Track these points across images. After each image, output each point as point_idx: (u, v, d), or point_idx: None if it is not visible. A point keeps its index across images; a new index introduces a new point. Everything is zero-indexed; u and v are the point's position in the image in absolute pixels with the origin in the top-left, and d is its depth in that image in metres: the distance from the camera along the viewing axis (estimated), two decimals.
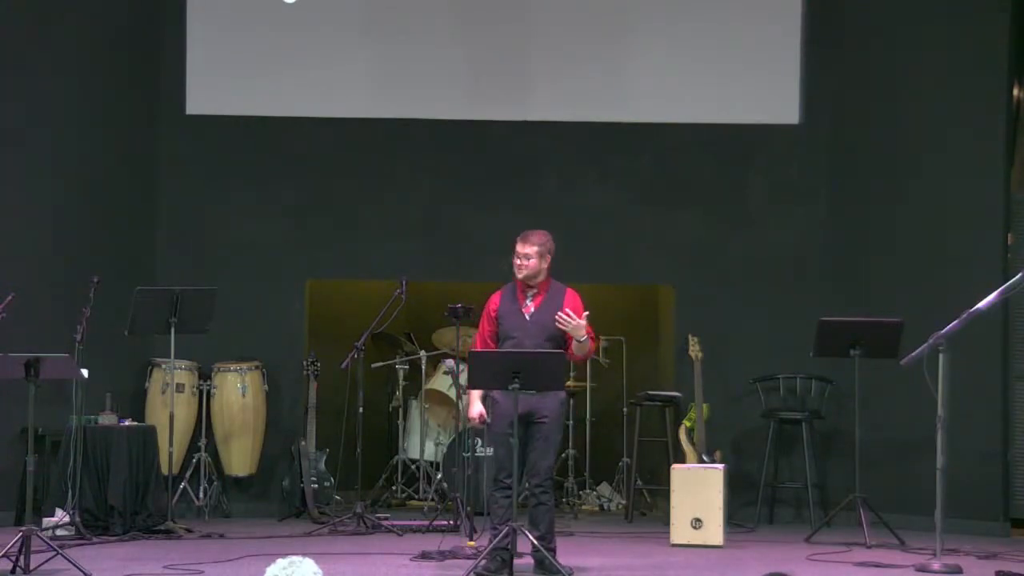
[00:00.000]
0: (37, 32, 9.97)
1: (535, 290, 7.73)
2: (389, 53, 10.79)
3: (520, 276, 7.71)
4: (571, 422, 11.14)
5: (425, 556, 8.22)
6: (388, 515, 10.02)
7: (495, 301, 7.82)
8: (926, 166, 10.26)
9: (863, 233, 10.56)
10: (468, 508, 9.16)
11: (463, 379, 10.06)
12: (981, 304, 7.82)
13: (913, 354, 7.98)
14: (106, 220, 10.38)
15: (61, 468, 9.16)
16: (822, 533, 9.31)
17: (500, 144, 10.88)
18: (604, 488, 11.32)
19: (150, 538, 9.03)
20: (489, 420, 7.80)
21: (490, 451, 9.84)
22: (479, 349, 7.73)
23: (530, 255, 7.67)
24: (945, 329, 7.86)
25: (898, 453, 10.08)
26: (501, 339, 7.73)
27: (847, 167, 10.67)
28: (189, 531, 9.31)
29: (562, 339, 7.67)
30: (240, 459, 10.47)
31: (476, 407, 7.85)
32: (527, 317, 7.70)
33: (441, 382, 11.00)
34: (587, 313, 7.59)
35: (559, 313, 7.54)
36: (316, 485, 10.26)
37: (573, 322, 7.52)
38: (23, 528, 7.53)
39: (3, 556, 7.43)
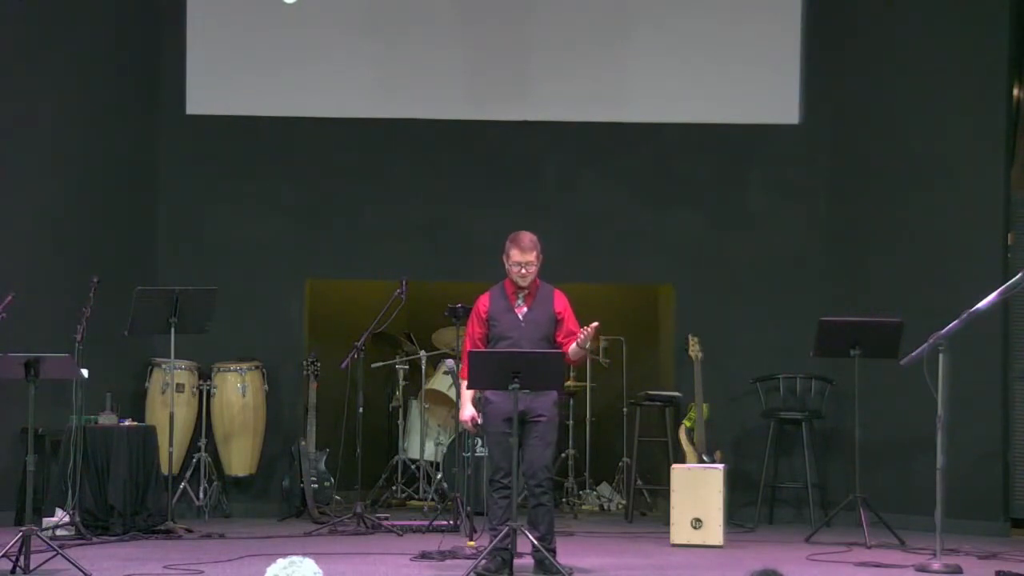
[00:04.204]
0: (37, 32, 9.97)
1: (526, 291, 7.73)
2: (389, 53, 10.79)
3: (524, 284, 7.70)
4: (571, 422, 11.15)
5: (425, 556, 8.22)
6: (388, 515, 10.02)
7: (484, 303, 7.80)
8: (926, 166, 10.26)
9: (863, 233, 10.57)
10: (468, 508, 9.16)
11: None
12: (981, 304, 7.82)
13: (913, 354, 7.99)
14: (106, 220, 10.39)
15: (61, 468, 9.16)
16: (822, 533, 9.31)
17: (500, 144, 10.89)
18: (604, 488, 11.32)
19: (150, 538, 9.03)
20: (481, 421, 7.78)
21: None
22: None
23: (532, 262, 7.66)
24: (945, 329, 7.86)
25: (898, 453, 10.09)
26: (494, 340, 7.72)
27: (847, 167, 10.67)
28: (189, 531, 9.30)
29: (555, 338, 7.69)
30: (240, 459, 10.47)
31: (468, 410, 7.83)
32: (520, 318, 7.70)
33: (441, 382, 11.00)
34: (596, 324, 7.59)
35: (586, 328, 7.52)
36: (316, 485, 10.26)
37: (592, 333, 7.53)
38: (23, 528, 7.53)
39: (3, 556, 7.43)
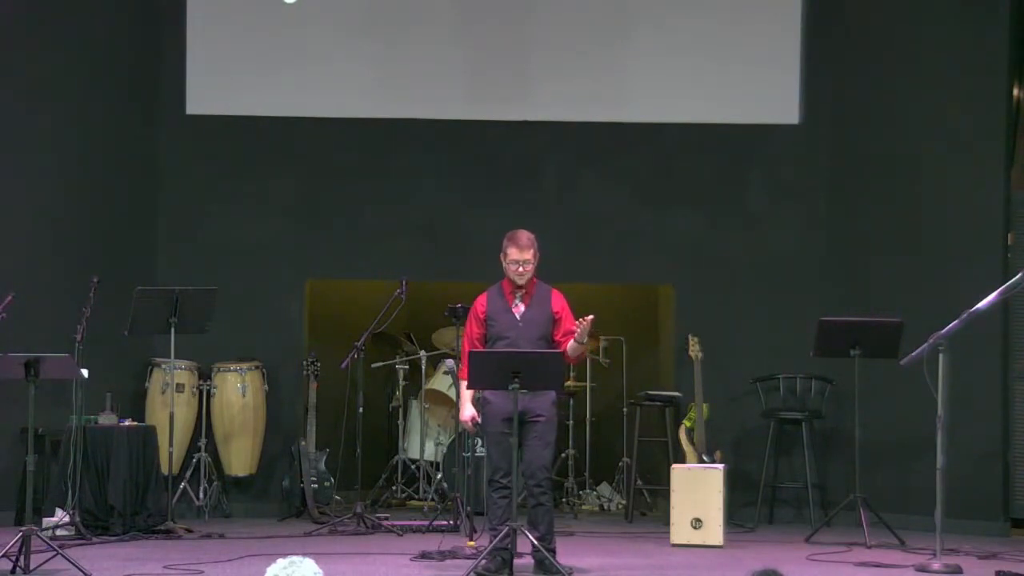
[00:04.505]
0: (37, 33, 9.97)
1: (523, 290, 7.74)
2: (389, 53, 10.79)
3: (522, 282, 7.71)
4: (571, 422, 11.15)
5: (425, 556, 8.22)
6: (388, 515, 10.02)
7: (482, 303, 7.81)
8: (926, 166, 10.26)
9: (863, 233, 10.56)
10: (468, 508, 9.16)
11: None
12: (981, 304, 7.82)
13: (913, 354, 7.99)
14: (106, 220, 10.38)
15: (61, 468, 9.16)
16: (822, 533, 9.31)
17: (500, 144, 10.89)
18: (604, 488, 11.32)
19: (150, 538, 9.03)
20: (480, 421, 7.79)
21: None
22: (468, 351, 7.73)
23: (529, 260, 7.68)
24: (945, 329, 7.86)
25: (898, 453, 10.09)
26: (492, 340, 7.73)
27: (847, 167, 10.67)
28: (189, 531, 9.30)
29: (552, 337, 7.70)
30: (240, 459, 10.47)
31: (468, 410, 7.83)
32: (518, 317, 7.71)
33: (441, 382, 11.00)
34: (592, 317, 7.58)
35: (581, 320, 7.53)
36: (316, 485, 10.26)
37: (588, 326, 7.53)
38: (23, 528, 7.53)
39: (3, 556, 7.43)
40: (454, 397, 10.47)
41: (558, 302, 7.78)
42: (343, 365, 9.65)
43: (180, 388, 10.08)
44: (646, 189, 10.88)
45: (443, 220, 10.90)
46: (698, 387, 9.93)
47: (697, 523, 9.05)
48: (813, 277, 10.68)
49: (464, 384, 7.83)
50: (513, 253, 7.69)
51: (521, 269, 7.68)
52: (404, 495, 11.06)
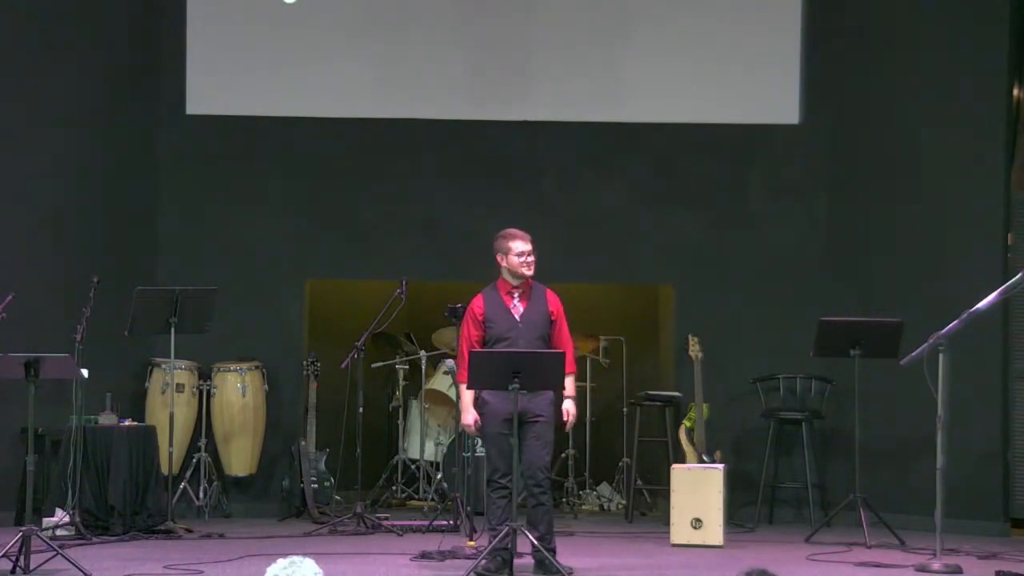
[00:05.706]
0: (37, 32, 9.98)
1: (520, 290, 7.75)
2: (389, 53, 10.79)
3: (531, 272, 7.75)
4: None
5: (425, 556, 8.22)
6: (388, 515, 10.02)
7: (479, 305, 7.80)
8: (926, 166, 10.26)
9: (863, 233, 10.56)
10: (468, 508, 9.16)
11: None
12: (981, 304, 7.83)
13: (913, 354, 7.99)
14: (106, 220, 10.38)
15: (61, 468, 9.16)
16: (822, 533, 9.31)
17: (500, 144, 10.89)
18: (604, 488, 11.32)
19: (150, 538, 9.03)
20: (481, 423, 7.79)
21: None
22: (465, 353, 7.73)
23: (533, 251, 7.74)
24: (945, 329, 7.86)
25: (898, 453, 10.09)
26: (491, 341, 7.72)
27: (847, 167, 10.67)
28: (189, 531, 9.31)
29: (551, 337, 7.71)
30: (240, 459, 10.47)
31: (471, 414, 7.80)
32: (517, 318, 7.71)
33: (441, 382, 11.00)
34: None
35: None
36: (316, 485, 10.26)
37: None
38: (23, 528, 7.53)
39: (3, 556, 7.43)
40: (454, 397, 10.47)
41: (553, 302, 7.80)
42: (343, 365, 9.65)
43: (180, 388, 10.09)
44: (646, 189, 10.88)
45: (443, 220, 10.90)
46: (698, 387, 9.93)
47: (697, 523, 9.05)
48: (813, 277, 10.68)
49: (463, 387, 7.82)
50: (519, 245, 7.72)
51: (531, 259, 7.73)
52: (404, 495, 11.06)
